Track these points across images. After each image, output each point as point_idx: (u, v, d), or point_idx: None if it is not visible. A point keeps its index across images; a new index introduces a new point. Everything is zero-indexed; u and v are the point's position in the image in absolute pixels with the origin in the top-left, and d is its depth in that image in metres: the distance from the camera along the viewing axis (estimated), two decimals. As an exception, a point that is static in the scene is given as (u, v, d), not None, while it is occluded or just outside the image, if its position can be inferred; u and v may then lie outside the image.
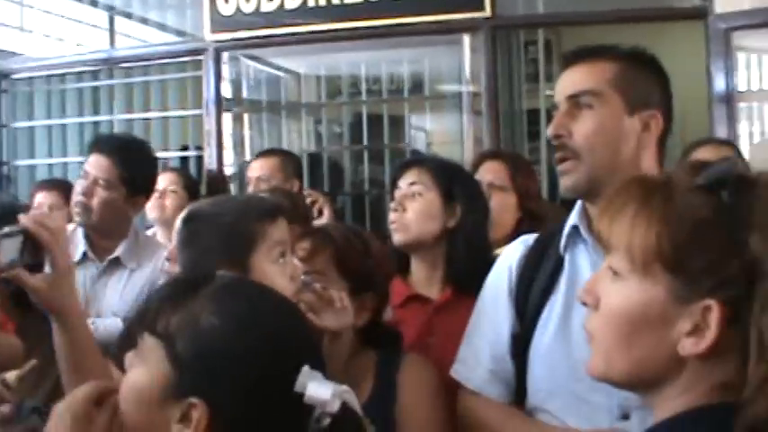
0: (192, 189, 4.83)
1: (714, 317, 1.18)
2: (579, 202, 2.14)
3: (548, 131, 2.10)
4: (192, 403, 1.36)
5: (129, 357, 1.48)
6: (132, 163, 3.54)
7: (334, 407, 1.41)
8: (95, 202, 3.44)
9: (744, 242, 1.18)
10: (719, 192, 1.23)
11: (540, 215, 3.46)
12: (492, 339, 2.20)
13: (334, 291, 2.24)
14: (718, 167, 1.25)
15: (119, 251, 3.52)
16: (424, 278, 2.81)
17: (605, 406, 1.91)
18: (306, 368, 1.40)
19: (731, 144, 3.99)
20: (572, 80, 2.10)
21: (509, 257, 2.26)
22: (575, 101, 2.07)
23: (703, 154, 3.48)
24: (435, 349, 2.51)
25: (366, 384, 2.30)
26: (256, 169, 4.68)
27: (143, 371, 1.43)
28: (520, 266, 2.21)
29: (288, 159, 4.80)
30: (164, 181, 4.73)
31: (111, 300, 3.46)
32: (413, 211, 2.78)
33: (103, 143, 3.65)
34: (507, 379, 2.17)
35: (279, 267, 2.09)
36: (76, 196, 3.48)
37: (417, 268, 2.83)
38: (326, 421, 1.41)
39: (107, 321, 3.29)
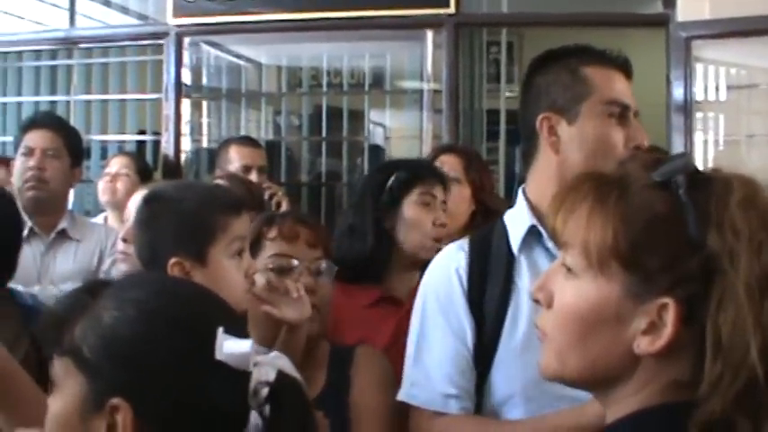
0: (145, 173, 4.78)
1: (670, 315, 1.17)
2: (525, 203, 2.14)
3: (644, 140, 2.08)
4: (114, 406, 1.30)
5: (50, 401, 1.41)
6: (70, 133, 3.75)
7: (270, 375, 1.37)
8: (49, 173, 3.55)
9: (700, 239, 1.17)
10: (676, 188, 1.21)
11: (494, 209, 3.49)
12: (453, 352, 2.10)
13: (290, 282, 2.23)
14: (674, 163, 1.24)
15: (64, 224, 3.67)
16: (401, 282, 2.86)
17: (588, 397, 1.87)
18: (219, 330, 1.34)
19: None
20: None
21: (450, 264, 2.17)
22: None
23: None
24: None
25: (319, 376, 2.31)
26: (246, 157, 4.47)
27: (57, 398, 1.37)
28: (470, 272, 2.14)
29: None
30: (116, 164, 4.71)
31: (63, 269, 3.58)
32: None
33: (41, 119, 3.85)
34: (470, 391, 2.09)
35: (235, 262, 2.08)
36: (27, 171, 3.54)
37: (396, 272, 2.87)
38: (264, 391, 1.36)
39: (70, 287, 3.31)
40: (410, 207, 2.91)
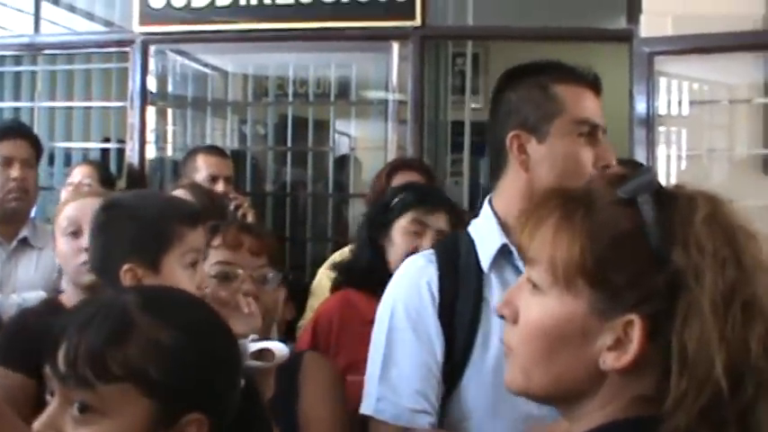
0: (108, 183, 4.73)
1: (636, 331, 1.17)
2: (493, 218, 2.12)
3: (612, 160, 2.08)
4: (191, 420, 1.37)
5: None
6: (36, 141, 3.81)
7: None
8: (29, 183, 3.59)
9: (665, 256, 1.18)
10: (641, 205, 1.22)
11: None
12: (423, 367, 2.03)
13: (241, 297, 2.24)
14: (639, 180, 1.25)
15: (25, 232, 3.65)
16: None
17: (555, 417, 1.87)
18: (249, 338, 1.59)
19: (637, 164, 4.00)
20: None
21: (420, 278, 2.11)
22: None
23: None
24: None
25: (268, 384, 2.29)
26: (213, 166, 4.47)
27: (112, 424, 1.36)
28: (441, 288, 2.08)
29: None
30: (79, 174, 4.67)
31: (25, 277, 3.57)
32: None
33: (16, 128, 3.90)
34: (436, 407, 2.03)
35: (188, 273, 2.09)
36: (9, 182, 3.59)
37: None
38: (242, 382, 1.51)
39: (32, 295, 3.36)
40: (398, 231, 3.02)
